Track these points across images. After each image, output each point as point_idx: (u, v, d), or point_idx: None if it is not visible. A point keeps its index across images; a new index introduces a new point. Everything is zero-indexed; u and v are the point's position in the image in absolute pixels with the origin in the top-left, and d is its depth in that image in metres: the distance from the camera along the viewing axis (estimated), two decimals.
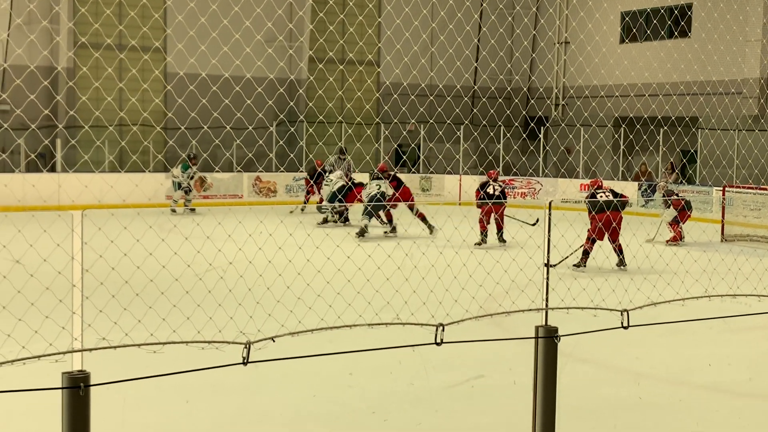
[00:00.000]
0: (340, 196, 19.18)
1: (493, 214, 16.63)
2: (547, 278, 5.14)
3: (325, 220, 19.67)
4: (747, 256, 13.47)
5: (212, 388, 6.85)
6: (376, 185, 18.33)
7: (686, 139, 25.30)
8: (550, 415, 5.02)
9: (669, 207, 17.85)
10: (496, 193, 17.31)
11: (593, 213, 13.42)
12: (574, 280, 7.06)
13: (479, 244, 16.26)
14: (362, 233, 17.27)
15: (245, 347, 4.15)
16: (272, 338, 4.46)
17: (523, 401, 5.84)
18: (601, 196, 14.24)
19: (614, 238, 13.36)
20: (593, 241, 13.24)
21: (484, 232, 16.57)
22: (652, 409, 7.07)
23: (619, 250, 13.47)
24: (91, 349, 3.89)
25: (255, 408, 6.72)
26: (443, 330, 4.67)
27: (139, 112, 23.00)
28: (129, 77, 23.21)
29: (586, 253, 13.37)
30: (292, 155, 25.24)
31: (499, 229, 16.69)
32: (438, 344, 4.65)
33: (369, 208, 17.66)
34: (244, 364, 4.15)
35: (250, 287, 5.48)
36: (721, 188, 19.98)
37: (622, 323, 5.20)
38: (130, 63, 23.77)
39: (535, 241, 4.94)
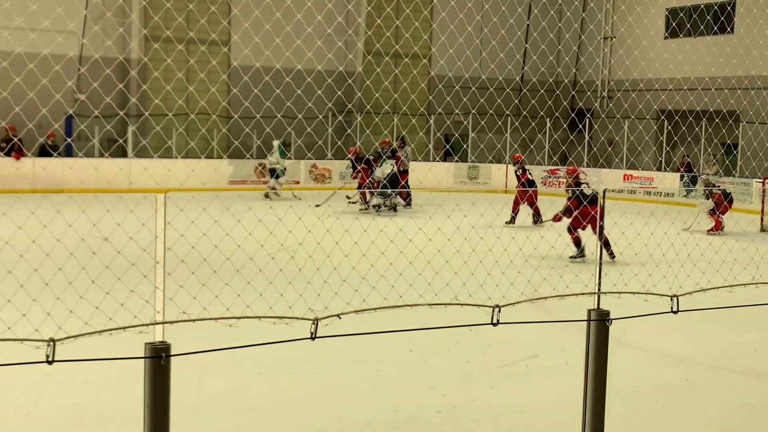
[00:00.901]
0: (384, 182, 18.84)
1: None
2: (600, 263, 5.13)
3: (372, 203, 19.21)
4: None
5: (282, 361, 6.97)
6: (390, 164, 18.43)
7: (724, 132, 24.89)
8: (601, 395, 5.00)
9: (708, 199, 17.65)
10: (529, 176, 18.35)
11: (585, 204, 12.38)
12: (626, 266, 7.02)
13: (508, 222, 17.19)
14: (378, 208, 17.47)
15: (313, 323, 4.21)
16: (338, 315, 4.51)
17: (574, 381, 5.84)
18: (584, 188, 13.54)
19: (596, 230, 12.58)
20: (574, 229, 12.25)
21: (513, 214, 17.52)
22: (697, 392, 7.03)
23: (605, 243, 12.06)
24: (171, 322, 3.97)
25: (320, 381, 6.81)
26: (499, 311, 4.69)
27: (207, 102, 23.32)
28: (208, 69, 23.51)
29: (577, 244, 12.39)
30: (339, 142, 25.32)
31: (535, 213, 17.57)
32: (494, 325, 4.67)
33: (385, 185, 17.83)
34: (312, 338, 4.20)
35: (319, 267, 5.55)
36: (761, 180, 19.65)
37: (672, 308, 5.17)
38: (198, 56, 24.03)
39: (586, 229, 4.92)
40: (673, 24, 27.51)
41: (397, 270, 6.01)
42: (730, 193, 18.01)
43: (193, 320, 4.26)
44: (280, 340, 4.53)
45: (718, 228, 17.31)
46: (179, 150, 23.42)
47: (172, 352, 3.84)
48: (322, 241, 5.44)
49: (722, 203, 17.51)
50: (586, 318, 4.98)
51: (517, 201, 17.64)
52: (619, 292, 5.46)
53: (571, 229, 12.57)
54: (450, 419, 6.05)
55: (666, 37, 27.81)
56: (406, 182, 21.01)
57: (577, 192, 13.00)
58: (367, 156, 20.51)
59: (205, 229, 4.97)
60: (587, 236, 11.85)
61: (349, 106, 25.83)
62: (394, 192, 18.87)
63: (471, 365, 7.24)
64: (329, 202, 17.68)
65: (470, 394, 6.57)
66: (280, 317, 4.41)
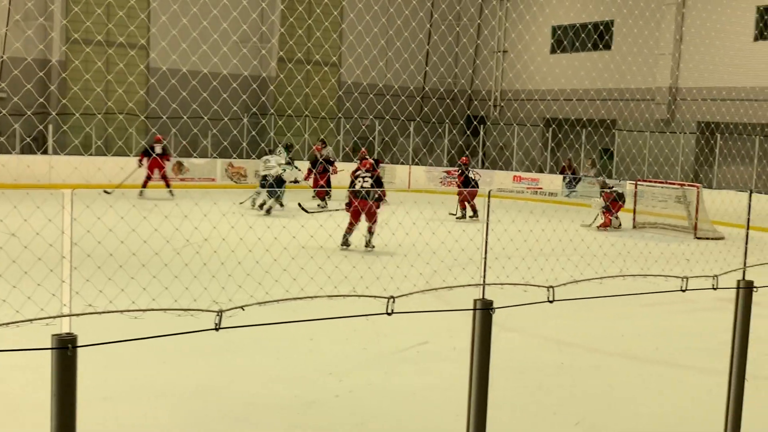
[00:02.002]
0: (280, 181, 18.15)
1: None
2: (485, 257, 5.14)
3: (254, 203, 18.09)
4: (656, 241, 13.70)
5: (187, 351, 6.77)
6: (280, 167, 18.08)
7: (606, 139, 25.63)
8: (485, 376, 5.02)
9: (600, 197, 18.21)
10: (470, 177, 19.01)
11: (357, 199, 11.74)
12: (508, 259, 7.09)
13: (459, 217, 18.16)
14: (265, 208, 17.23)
15: (217, 315, 4.07)
16: (242, 307, 4.38)
17: (461, 365, 5.85)
18: (360, 182, 12.72)
19: (370, 220, 11.78)
20: (351, 223, 11.59)
21: (463, 210, 18.48)
22: (572, 373, 7.15)
23: (369, 232, 11.69)
24: (78, 314, 3.79)
25: (226, 369, 6.66)
26: (394, 302, 4.64)
27: (124, 102, 22.62)
28: (116, 70, 22.80)
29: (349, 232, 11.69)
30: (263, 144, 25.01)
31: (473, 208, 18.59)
32: (389, 314, 4.62)
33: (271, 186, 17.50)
34: (216, 329, 4.07)
35: (223, 261, 5.41)
36: (634, 182, 20.26)
37: (548, 298, 5.23)
38: (117, 58, 23.32)
39: (476, 225, 4.96)
40: (564, 42, 28.13)
41: (299, 264, 5.93)
42: (623, 193, 18.53)
43: (99, 312, 4.08)
44: (184, 331, 4.39)
45: (607, 225, 17.80)
46: (99, 148, 22.77)
47: (79, 344, 3.66)
48: (227, 236, 5.31)
49: (617, 203, 18.06)
50: (472, 307, 5.00)
51: (464, 198, 18.55)
52: (502, 284, 5.50)
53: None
54: (347, 402, 6.00)
55: (551, 52, 28.40)
56: (327, 181, 20.90)
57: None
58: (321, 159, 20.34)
59: (111, 225, 4.77)
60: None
61: (272, 111, 25.53)
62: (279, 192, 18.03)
63: (367, 352, 7.20)
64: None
65: (366, 378, 6.53)
66: (185, 309, 4.26)
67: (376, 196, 12.18)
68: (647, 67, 24.66)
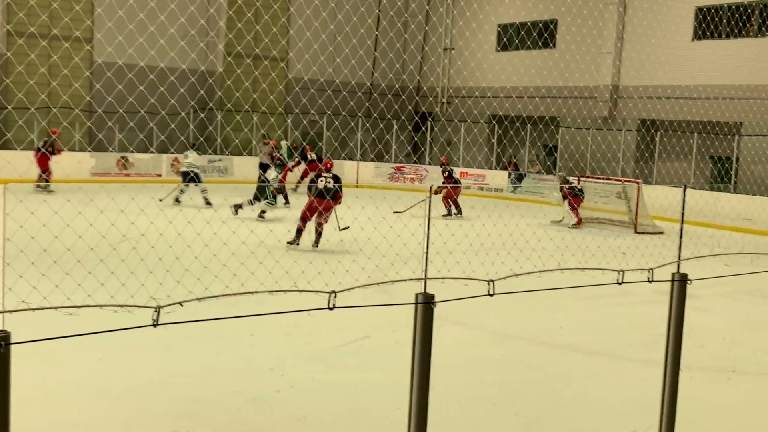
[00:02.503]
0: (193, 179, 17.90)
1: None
2: (427, 252, 5.18)
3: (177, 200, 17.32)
4: (593, 235, 13.96)
5: (125, 348, 6.66)
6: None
7: (546, 135, 26.00)
8: (426, 369, 5.05)
9: (559, 192, 18.52)
10: (454, 176, 19.40)
11: (313, 197, 11.63)
12: (449, 254, 7.16)
13: (445, 215, 18.52)
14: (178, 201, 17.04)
15: (155, 311, 4.01)
16: (180, 303, 4.34)
17: (403, 358, 5.89)
18: (322, 181, 12.12)
19: (320, 217, 11.38)
20: (305, 220, 11.32)
21: (448, 208, 18.83)
22: (512, 365, 7.25)
23: (318, 232, 11.29)
24: (11, 311, 3.71)
25: (165, 366, 6.58)
26: (335, 296, 4.64)
27: (69, 97, 22.14)
28: (57, 64, 22.29)
29: (299, 231, 11.29)
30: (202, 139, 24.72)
31: (456, 206, 18.88)
32: (330, 309, 4.61)
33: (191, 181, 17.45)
34: (154, 326, 4.02)
35: (161, 257, 5.34)
36: (576, 178, 20.59)
37: (488, 291, 5.29)
38: (57, 51, 22.78)
39: (418, 220, 4.98)
40: (504, 40, 28.44)
41: (239, 259, 5.88)
42: (582, 189, 18.82)
43: (33, 309, 3.98)
44: (122, 328, 4.32)
45: (580, 222, 18.06)
46: (21, 142, 22.20)
47: (12, 341, 3.58)
48: (164, 231, 5.24)
49: (577, 198, 18.35)
50: (414, 301, 5.03)
51: (447, 197, 18.87)
52: (444, 278, 5.55)
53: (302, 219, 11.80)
54: (289, 397, 5.98)
55: (497, 50, 28.69)
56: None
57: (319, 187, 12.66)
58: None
59: (46, 220, 4.67)
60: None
61: (210, 105, 25.23)
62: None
63: (309, 347, 7.19)
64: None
65: (308, 373, 6.52)
66: (122, 305, 4.20)
67: (333, 195, 11.76)
68: (590, 66, 25.09)
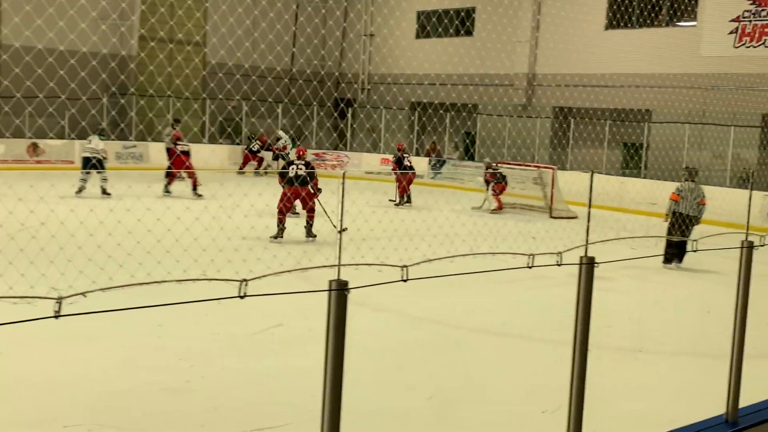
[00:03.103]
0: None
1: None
2: (340, 238, 5.09)
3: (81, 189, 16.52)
4: (505, 220, 14.13)
5: (27, 340, 6.36)
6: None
7: (468, 122, 26.23)
8: (340, 356, 4.97)
9: (483, 178, 18.73)
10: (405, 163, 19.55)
11: (284, 186, 11.63)
12: (363, 241, 7.08)
13: (398, 204, 18.46)
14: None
15: (57, 302, 3.81)
16: (83, 294, 4.15)
17: (317, 345, 5.80)
18: (294, 169, 11.92)
19: (305, 207, 11.42)
20: (283, 213, 11.12)
21: (401, 195, 18.69)
22: (426, 349, 7.26)
23: (308, 222, 11.27)
24: None
25: (70, 360, 6.33)
26: (246, 285, 4.51)
27: None
28: None
29: (280, 223, 11.09)
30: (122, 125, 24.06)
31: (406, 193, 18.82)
32: (242, 297, 4.48)
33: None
34: (56, 317, 3.81)
35: (62, 246, 5.11)
36: (495, 163, 20.80)
37: (402, 277, 5.25)
38: None
39: (330, 205, 4.88)
40: (428, 28, 28.50)
41: (145, 248, 5.68)
42: (505, 175, 19.05)
43: None
44: (21, 320, 4.10)
45: (500, 208, 18.23)
46: None
47: None
48: (66, 220, 5.01)
49: (500, 184, 18.58)
50: (327, 288, 4.94)
51: (401, 184, 18.76)
52: (357, 264, 5.49)
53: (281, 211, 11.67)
54: (200, 387, 5.84)
55: (416, 37, 28.73)
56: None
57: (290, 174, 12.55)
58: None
59: None
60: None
61: (131, 89, 24.55)
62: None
63: (219, 336, 7.02)
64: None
65: (218, 363, 6.38)
66: (22, 297, 3.98)
67: (310, 184, 11.61)
68: (507, 54, 25.37)
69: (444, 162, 25.23)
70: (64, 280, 4.86)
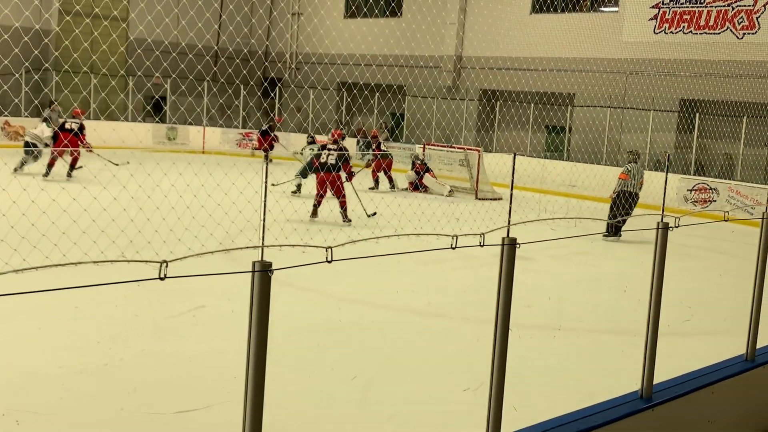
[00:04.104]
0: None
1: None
2: (264, 219, 5.05)
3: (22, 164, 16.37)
4: (429, 201, 14.24)
5: None
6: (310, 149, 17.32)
7: (394, 104, 26.29)
8: (263, 338, 4.94)
9: (412, 169, 18.95)
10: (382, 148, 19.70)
11: (321, 172, 12.56)
12: (286, 221, 7.03)
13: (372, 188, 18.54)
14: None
15: None
16: None
17: (240, 327, 5.77)
18: (325, 155, 13.11)
19: (338, 195, 12.35)
20: (322, 197, 12.31)
21: (375, 180, 18.95)
22: (349, 329, 7.29)
23: (342, 207, 12.30)
24: None
25: None
26: (167, 266, 4.43)
27: None
28: None
29: (318, 205, 12.35)
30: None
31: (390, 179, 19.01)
32: (162, 279, 4.40)
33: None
34: None
35: None
36: (422, 146, 20.98)
37: (326, 258, 5.25)
38: None
39: (254, 186, 4.84)
40: (353, 8, 28.37)
41: (60, 228, 5.52)
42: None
43: None
44: None
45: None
46: None
47: None
48: None
49: (431, 171, 19.06)
50: (250, 270, 4.90)
51: (376, 169, 19.03)
52: (281, 245, 5.46)
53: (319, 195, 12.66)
54: (118, 370, 5.73)
55: (346, 17, 28.60)
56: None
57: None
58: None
59: None
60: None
61: (46, 65, 23.70)
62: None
63: (139, 319, 6.90)
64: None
65: (138, 345, 6.26)
66: None
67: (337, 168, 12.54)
68: (434, 36, 25.49)
69: (371, 144, 25.26)
70: None
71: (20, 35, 22.71)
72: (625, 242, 13.04)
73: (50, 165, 16.32)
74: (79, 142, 16.45)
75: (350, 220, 12.12)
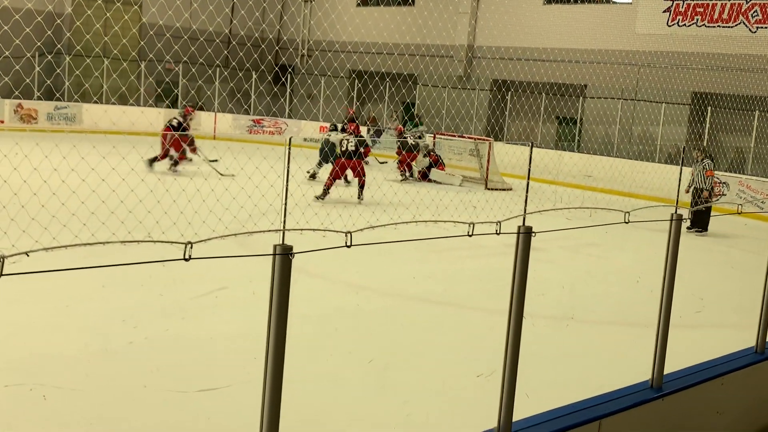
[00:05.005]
0: None
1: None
2: (285, 204, 5.17)
3: None
4: (447, 190, 14.35)
5: None
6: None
7: (405, 93, 26.31)
8: (283, 321, 5.06)
9: (426, 157, 18.97)
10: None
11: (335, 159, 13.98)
12: (307, 206, 7.15)
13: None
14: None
15: None
16: (26, 253, 4.13)
17: (260, 310, 5.89)
18: (345, 143, 14.22)
19: (356, 175, 13.85)
20: (333, 180, 13.45)
21: (403, 172, 18.81)
22: (366, 315, 7.41)
23: (361, 186, 13.72)
24: None
25: (11, 320, 6.28)
26: (191, 247, 4.55)
27: None
28: None
29: (327, 188, 13.35)
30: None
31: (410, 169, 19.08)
32: (186, 260, 4.52)
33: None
34: None
35: (5, 205, 5.05)
36: (433, 135, 21.04)
37: (346, 243, 5.36)
38: None
39: (276, 171, 4.94)
40: None
41: (89, 208, 5.65)
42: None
43: None
44: None
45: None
46: None
47: None
48: (9, 179, 4.94)
49: (441, 164, 19.23)
50: (272, 252, 5.01)
51: (402, 162, 19.01)
52: (302, 229, 5.57)
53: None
54: (142, 349, 5.88)
55: (358, 5, 28.59)
56: None
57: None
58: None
59: None
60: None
61: (58, 46, 23.81)
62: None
63: (163, 298, 7.05)
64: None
65: (162, 325, 6.41)
66: None
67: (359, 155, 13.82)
68: (446, 25, 25.50)
69: (382, 132, 25.32)
70: (6, 239, 4.80)
71: (33, 17, 22.84)
72: (638, 234, 13.13)
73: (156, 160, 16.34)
74: (181, 141, 16.31)
75: (362, 199, 13.27)
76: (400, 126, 20.73)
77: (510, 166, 18.99)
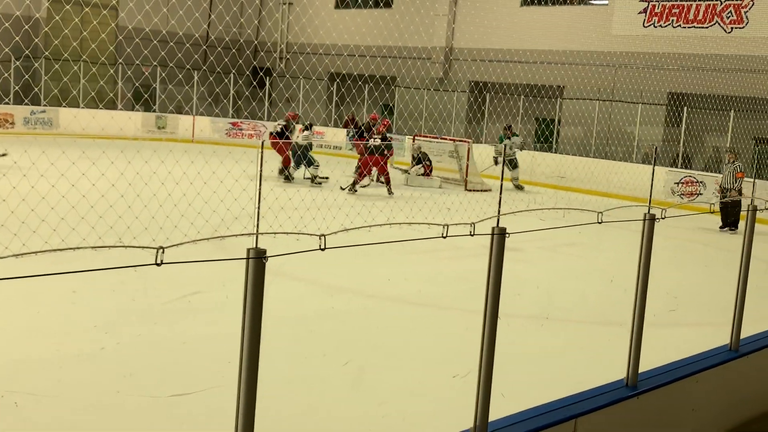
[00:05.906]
0: None
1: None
2: (258, 207, 5.12)
3: None
4: (421, 191, 14.34)
5: None
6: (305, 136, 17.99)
7: (386, 95, 26.31)
8: (257, 324, 5.01)
9: (418, 165, 18.92)
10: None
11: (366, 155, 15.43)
12: (281, 210, 7.09)
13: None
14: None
15: None
16: None
17: (234, 313, 5.84)
18: (372, 141, 15.78)
19: (381, 171, 15.79)
20: (362, 175, 15.12)
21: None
22: (341, 316, 7.37)
23: (387, 182, 15.66)
24: None
25: None
26: (163, 252, 4.49)
27: None
28: None
29: (355, 184, 14.91)
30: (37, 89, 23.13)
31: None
32: (158, 265, 4.47)
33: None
34: None
35: None
36: (412, 137, 21.01)
37: (320, 246, 5.32)
38: None
39: (248, 173, 4.88)
40: None
41: (59, 214, 5.57)
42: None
43: None
44: None
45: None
46: None
47: None
48: None
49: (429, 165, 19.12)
50: (245, 256, 4.96)
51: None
52: (275, 233, 5.52)
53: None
54: (114, 354, 5.80)
55: (336, 7, 28.54)
56: None
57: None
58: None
59: None
60: None
61: (26, 52, 23.58)
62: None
63: (135, 303, 6.97)
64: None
65: (134, 330, 6.34)
66: None
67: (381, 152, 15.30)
68: (424, 27, 25.51)
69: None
70: None
71: (19, 24, 22.57)
72: (612, 233, 13.17)
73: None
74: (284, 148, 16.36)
75: (393, 193, 15.18)
76: (387, 120, 20.45)
77: (491, 168, 19.04)
